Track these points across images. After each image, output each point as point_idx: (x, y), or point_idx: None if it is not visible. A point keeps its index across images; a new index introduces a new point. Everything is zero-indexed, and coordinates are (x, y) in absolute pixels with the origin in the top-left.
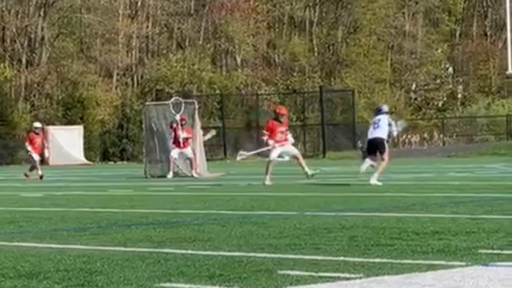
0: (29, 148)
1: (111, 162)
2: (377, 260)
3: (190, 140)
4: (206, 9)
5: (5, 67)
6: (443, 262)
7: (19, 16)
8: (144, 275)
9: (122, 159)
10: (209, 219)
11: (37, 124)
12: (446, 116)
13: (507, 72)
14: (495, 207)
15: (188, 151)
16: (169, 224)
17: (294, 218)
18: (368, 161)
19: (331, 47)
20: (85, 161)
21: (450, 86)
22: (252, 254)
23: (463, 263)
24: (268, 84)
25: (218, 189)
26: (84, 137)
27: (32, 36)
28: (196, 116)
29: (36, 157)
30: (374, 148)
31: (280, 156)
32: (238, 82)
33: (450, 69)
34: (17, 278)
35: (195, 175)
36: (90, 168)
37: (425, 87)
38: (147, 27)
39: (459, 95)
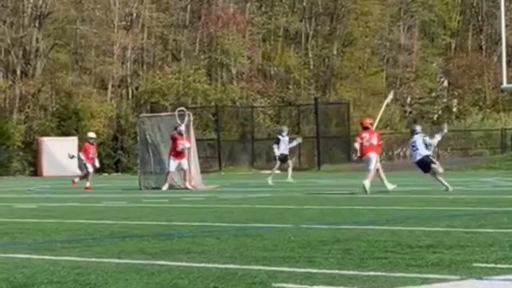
0: (83, 157)
1: (106, 174)
2: (372, 273)
3: (186, 151)
4: (202, 21)
5: None
6: (437, 276)
7: (14, 27)
8: (138, 287)
9: (116, 171)
10: (204, 231)
11: (92, 134)
12: None
13: (502, 86)
14: (490, 220)
15: (184, 162)
16: (163, 236)
17: (288, 230)
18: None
19: (326, 60)
20: (80, 172)
21: (445, 99)
22: (246, 266)
23: (458, 277)
24: (263, 97)
25: (213, 202)
26: (79, 149)
27: (27, 47)
28: (191, 128)
29: (90, 168)
30: (425, 167)
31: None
32: (233, 94)
33: (445, 83)
34: None
35: (189, 187)
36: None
37: (420, 101)
38: (142, 38)
39: (454, 109)
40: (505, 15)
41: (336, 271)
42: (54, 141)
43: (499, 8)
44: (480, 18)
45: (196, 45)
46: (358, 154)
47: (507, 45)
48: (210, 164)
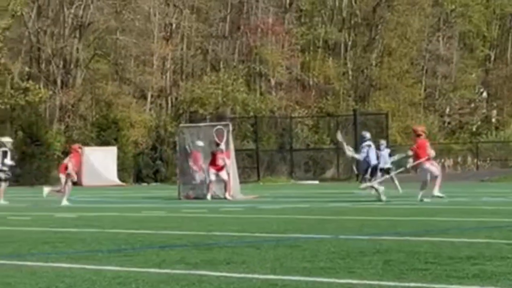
0: (194, 167)
1: (145, 184)
2: (412, 284)
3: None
4: (241, 32)
5: (40, 88)
6: (478, 287)
7: (55, 37)
8: None
9: (155, 181)
10: (243, 241)
11: (200, 143)
12: (480, 140)
13: None
14: None
15: (223, 173)
16: (203, 246)
17: (328, 241)
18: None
19: (364, 70)
20: (119, 182)
21: (484, 110)
22: (286, 277)
23: None
24: (302, 107)
25: (252, 212)
26: (118, 158)
27: (68, 57)
28: (230, 138)
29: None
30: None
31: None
32: (272, 104)
33: (484, 94)
34: None
35: (228, 197)
36: (123, 189)
37: (459, 111)
38: (182, 49)
39: (493, 120)
40: None
41: (376, 282)
42: (94, 151)
43: None
44: None
45: (235, 55)
46: (414, 163)
47: None
48: (248, 174)
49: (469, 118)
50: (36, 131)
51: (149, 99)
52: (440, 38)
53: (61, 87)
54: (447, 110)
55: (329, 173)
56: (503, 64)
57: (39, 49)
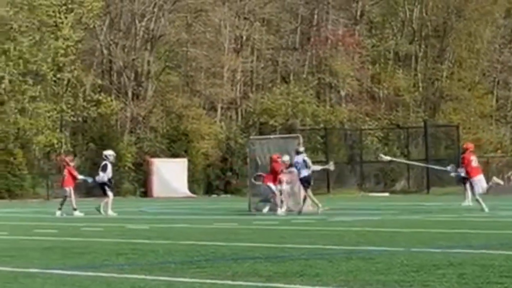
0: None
1: (215, 195)
2: None
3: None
4: (311, 43)
5: (111, 100)
6: None
7: (126, 50)
8: None
9: (225, 192)
10: (316, 254)
11: (286, 158)
12: None
13: None
14: None
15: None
16: (276, 259)
17: (401, 254)
18: None
19: (435, 82)
20: (189, 193)
21: None
22: None
23: None
24: (372, 119)
25: (323, 224)
26: (188, 170)
27: (139, 69)
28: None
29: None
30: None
31: None
32: (342, 116)
33: None
34: None
35: (298, 209)
36: (194, 201)
37: None
38: (252, 61)
39: None
40: None
41: None
42: (164, 162)
43: None
44: None
45: (305, 67)
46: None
47: None
48: (318, 186)
49: None
50: (107, 143)
51: (219, 111)
52: None
53: (132, 99)
54: None
55: (399, 185)
56: None
57: (110, 61)
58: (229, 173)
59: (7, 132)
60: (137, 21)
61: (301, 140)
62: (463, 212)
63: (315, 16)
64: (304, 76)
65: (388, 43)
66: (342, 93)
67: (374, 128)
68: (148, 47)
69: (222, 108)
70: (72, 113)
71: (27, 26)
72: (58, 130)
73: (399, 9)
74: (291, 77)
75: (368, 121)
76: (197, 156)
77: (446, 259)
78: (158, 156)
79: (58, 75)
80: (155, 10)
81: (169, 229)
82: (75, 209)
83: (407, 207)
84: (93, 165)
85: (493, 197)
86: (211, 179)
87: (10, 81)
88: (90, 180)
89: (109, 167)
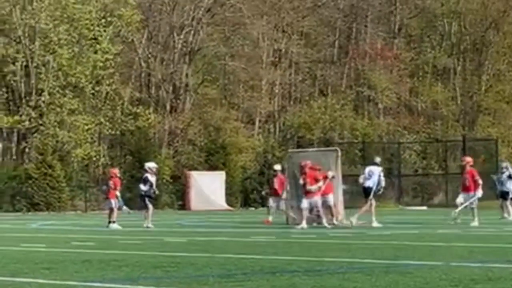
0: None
1: (252, 208)
2: None
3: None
4: (349, 57)
5: (150, 113)
6: None
7: (164, 63)
8: None
9: (263, 206)
10: (354, 267)
11: (276, 167)
12: None
13: None
14: None
15: (329, 198)
16: (313, 272)
17: (439, 268)
18: None
19: (473, 96)
20: (227, 206)
21: None
22: None
23: None
24: (410, 132)
25: (361, 238)
26: (226, 183)
27: (177, 82)
28: (339, 164)
29: (271, 201)
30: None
31: None
32: (380, 129)
33: None
34: None
35: (335, 222)
36: (231, 214)
37: None
38: (290, 74)
39: None
40: None
41: None
42: (202, 175)
43: None
44: None
45: (343, 80)
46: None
47: None
48: (356, 200)
49: None
50: (145, 156)
51: (257, 124)
52: None
53: (170, 112)
54: None
55: (437, 199)
56: None
57: (149, 74)
58: (266, 186)
59: (46, 145)
60: (175, 34)
61: (339, 153)
62: (502, 226)
63: (353, 30)
64: (342, 89)
65: (426, 56)
66: (380, 106)
67: (412, 142)
68: (186, 60)
69: (260, 121)
70: (110, 126)
71: (66, 39)
72: (96, 143)
73: (437, 22)
74: (329, 90)
75: (406, 134)
76: (235, 169)
77: (484, 274)
78: (196, 169)
79: (97, 88)
80: (194, 23)
81: (207, 242)
82: (114, 222)
83: (445, 221)
84: (131, 178)
85: None
86: (249, 192)
87: (49, 94)
88: (123, 207)
89: (151, 179)
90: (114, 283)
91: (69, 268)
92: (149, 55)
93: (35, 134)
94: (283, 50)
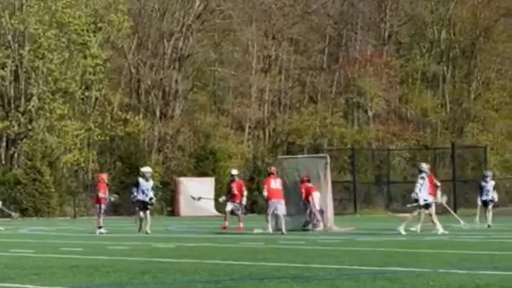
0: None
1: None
2: None
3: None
4: (339, 64)
5: (139, 119)
6: None
7: (154, 69)
8: None
9: (252, 212)
10: (342, 274)
11: (234, 172)
12: None
13: None
14: None
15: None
16: (302, 279)
17: (427, 275)
18: None
19: (462, 103)
20: (216, 212)
21: None
22: None
23: None
24: (399, 139)
25: (350, 244)
26: (215, 189)
27: (167, 88)
28: (328, 171)
29: (229, 206)
30: None
31: None
32: (369, 136)
33: None
34: None
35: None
36: (221, 220)
37: None
38: (280, 80)
39: None
40: None
41: None
42: (192, 181)
43: None
44: None
45: (333, 87)
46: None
47: None
48: (345, 206)
49: None
50: (135, 162)
51: (246, 130)
52: None
53: (160, 118)
54: None
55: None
56: None
57: (138, 80)
58: (255, 193)
59: (35, 150)
60: (165, 41)
61: (328, 159)
62: (490, 233)
63: (343, 36)
64: (332, 96)
65: (416, 63)
66: (370, 113)
67: (402, 149)
68: (176, 66)
69: (249, 127)
70: (100, 131)
71: (55, 44)
72: (85, 149)
73: (427, 30)
74: (319, 97)
75: (396, 141)
76: (224, 175)
77: (472, 281)
78: (185, 175)
79: (86, 94)
80: (183, 29)
81: (195, 248)
82: (100, 227)
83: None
84: (120, 184)
85: None
86: None
87: (39, 99)
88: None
89: (143, 184)
90: None
91: (57, 274)
92: (139, 61)
93: (24, 140)
94: (273, 56)
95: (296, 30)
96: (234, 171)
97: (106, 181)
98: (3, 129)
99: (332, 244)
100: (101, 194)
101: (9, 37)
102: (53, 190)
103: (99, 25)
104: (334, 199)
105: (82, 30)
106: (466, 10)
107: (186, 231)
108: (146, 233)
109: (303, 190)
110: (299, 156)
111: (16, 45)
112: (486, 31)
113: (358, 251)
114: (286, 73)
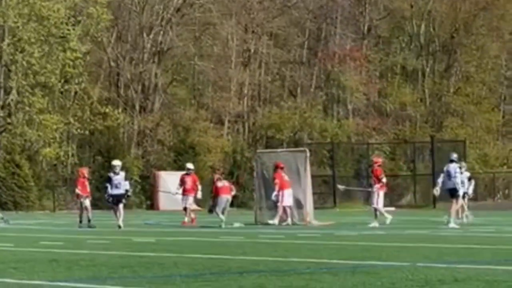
0: (179, 190)
1: None
2: None
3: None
4: (318, 58)
5: (118, 113)
6: None
7: (134, 62)
8: None
9: (232, 206)
10: (321, 268)
11: (189, 165)
12: None
13: None
14: None
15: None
16: (281, 272)
17: (406, 269)
18: None
19: (442, 97)
20: (196, 207)
21: None
22: None
23: None
24: (379, 133)
25: (329, 238)
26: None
27: (146, 82)
28: (307, 165)
29: (188, 200)
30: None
31: None
32: (349, 130)
33: None
34: None
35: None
36: (200, 214)
37: None
38: (260, 74)
39: None
40: None
41: None
42: (171, 175)
43: None
44: None
45: (312, 81)
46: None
47: None
48: (325, 200)
49: None
50: (114, 156)
51: (226, 124)
52: None
53: (140, 112)
54: None
55: (406, 200)
56: None
57: (118, 74)
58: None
59: (14, 144)
60: (144, 34)
61: (308, 153)
62: (469, 227)
63: (323, 31)
64: (312, 90)
65: (395, 58)
66: (349, 107)
67: (381, 143)
68: (156, 60)
69: (229, 121)
70: (79, 125)
71: (35, 38)
72: (65, 143)
73: (406, 24)
74: (299, 91)
75: (375, 135)
76: (204, 169)
77: (451, 275)
78: (164, 169)
79: (66, 87)
80: (163, 23)
81: (175, 242)
82: (80, 221)
83: (413, 221)
84: (100, 178)
85: (500, 212)
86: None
87: (18, 93)
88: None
89: (114, 177)
90: (81, 282)
91: (36, 268)
92: (118, 55)
93: (3, 133)
94: (253, 50)
95: (275, 24)
96: (190, 165)
97: (86, 175)
98: None
99: (311, 238)
100: (77, 190)
101: None
102: (32, 184)
103: (78, 18)
104: (314, 193)
105: (61, 23)
106: (445, 4)
107: (166, 225)
108: (119, 227)
109: (277, 181)
110: (279, 150)
111: None
112: (465, 25)
113: (337, 245)
114: (265, 67)
